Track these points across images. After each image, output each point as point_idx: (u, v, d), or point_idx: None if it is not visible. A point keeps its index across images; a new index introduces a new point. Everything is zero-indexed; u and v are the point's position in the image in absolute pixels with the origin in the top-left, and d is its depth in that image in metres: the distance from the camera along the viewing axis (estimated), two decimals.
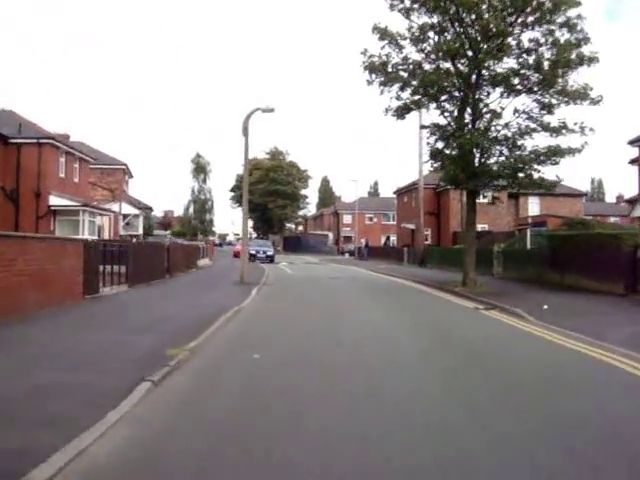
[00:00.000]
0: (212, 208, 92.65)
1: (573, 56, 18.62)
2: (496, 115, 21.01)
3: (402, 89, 22.14)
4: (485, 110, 21.33)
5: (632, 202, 50.26)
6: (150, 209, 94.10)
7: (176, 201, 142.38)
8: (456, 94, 21.56)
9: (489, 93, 21.45)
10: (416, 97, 22.18)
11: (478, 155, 21.12)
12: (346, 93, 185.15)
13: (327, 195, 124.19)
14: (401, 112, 22.66)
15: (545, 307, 14.97)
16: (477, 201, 22.67)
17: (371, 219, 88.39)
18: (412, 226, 54.51)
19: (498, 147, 20.88)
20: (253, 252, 48.34)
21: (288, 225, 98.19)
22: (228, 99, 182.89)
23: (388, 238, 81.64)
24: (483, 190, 22.31)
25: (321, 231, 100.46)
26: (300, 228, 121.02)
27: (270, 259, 48.21)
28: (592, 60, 18.64)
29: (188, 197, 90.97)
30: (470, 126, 20.93)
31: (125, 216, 47.63)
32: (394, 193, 60.84)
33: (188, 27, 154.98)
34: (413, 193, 55.41)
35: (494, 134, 20.97)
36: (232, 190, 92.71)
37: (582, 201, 58.33)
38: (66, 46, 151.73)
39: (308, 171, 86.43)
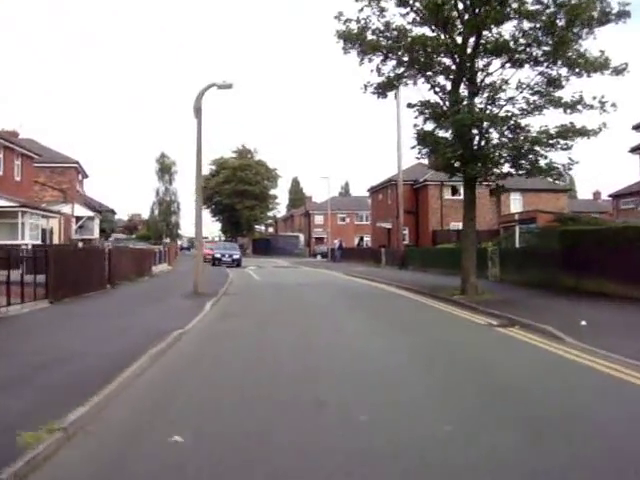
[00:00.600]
0: (178, 210, 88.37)
1: (596, 12, 15.10)
2: (497, 89, 17.58)
3: (384, 60, 18.60)
4: (484, 84, 17.87)
5: (618, 197, 47.74)
6: (112, 212, 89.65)
7: (144, 204, 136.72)
8: (449, 64, 18.07)
9: (488, 64, 18.01)
10: (401, 70, 18.68)
11: (477, 137, 17.65)
12: (317, 93, 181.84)
13: (297, 196, 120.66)
14: (383, 88, 19.13)
15: (583, 323, 11.50)
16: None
17: (344, 219, 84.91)
18: (388, 225, 51.20)
19: (501, 126, 17.36)
20: (218, 256, 44.63)
21: (258, 227, 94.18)
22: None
23: (362, 239, 78.36)
24: (482, 178, 18.70)
25: (292, 233, 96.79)
26: (270, 230, 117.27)
27: (237, 263, 44.43)
28: (622, 15, 15.11)
29: (153, 199, 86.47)
30: (467, 102, 17.43)
31: (78, 218, 43.41)
32: (368, 191, 57.47)
33: (152, 19, 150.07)
34: (389, 190, 52.10)
35: (496, 111, 17.51)
36: (206, 197, 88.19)
37: (566, 197, 55.58)
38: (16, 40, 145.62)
39: (277, 170, 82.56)
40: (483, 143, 17.67)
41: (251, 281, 28.21)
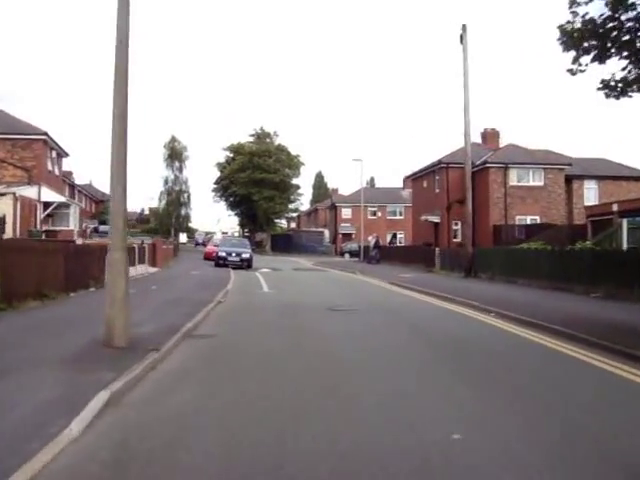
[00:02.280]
0: (189, 202, 79.15)
1: None
2: None
3: None
4: None
5: None
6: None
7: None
8: None
9: None
10: None
11: None
12: (340, 84, 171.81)
13: (322, 191, 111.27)
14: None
15: None
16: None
17: (374, 213, 74.59)
18: (436, 219, 41.26)
19: None
20: (223, 254, 35.18)
21: (278, 222, 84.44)
22: (212, 80, 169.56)
23: (394, 235, 68.18)
24: None
25: (315, 228, 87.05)
26: (293, 225, 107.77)
27: (247, 264, 34.94)
28: None
29: (161, 188, 77.35)
30: None
31: (48, 205, 34.18)
32: (407, 179, 47.43)
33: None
34: (436, 175, 42.12)
35: None
36: (216, 182, 79.03)
37: None
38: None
39: (300, 157, 72.71)
40: None
41: (255, 298, 18.32)
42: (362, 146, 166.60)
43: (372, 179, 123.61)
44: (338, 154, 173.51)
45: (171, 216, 75.75)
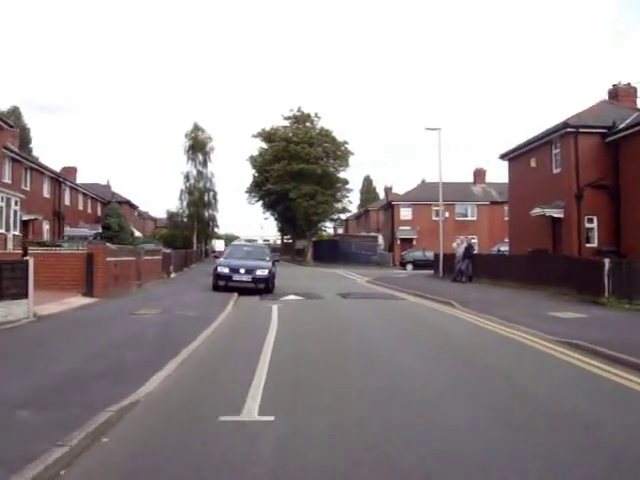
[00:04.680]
0: (215, 202, 66.39)
1: None
2: None
3: None
4: None
5: None
6: (131, 205, 68.78)
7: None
8: None
9: None
10: None
11: None
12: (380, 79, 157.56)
13: (370, 196, 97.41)
14: None
15: None
16: None
17: (438, 214, 59.71)
18: (557, 212, 26.96)
19: None
20: (225, 271, 21.92)
21: (323, 225, 70.29)
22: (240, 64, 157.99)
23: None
24: None
25: (367, 233, 73.15)
26: (340, 231, 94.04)
27: (263, 285, 21.52)
28: None
29: (181, 186, 64.76)
30: None
31: None
32: (502, 158, 33.07)
33: None
34: (555, 147, 27.78)
35: None
36: (256, 184, 64.93)
37: None
38: None
39: (348, 144, 58.86)
40: None
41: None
42: (414, 144, 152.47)
43: (423, 181, 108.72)
44: (386, 154, 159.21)
45: (193, 219, 63.05)
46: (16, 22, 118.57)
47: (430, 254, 46.28)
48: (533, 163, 29.56)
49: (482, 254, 36.38)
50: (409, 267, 47.98)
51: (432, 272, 34.54)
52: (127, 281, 20.84)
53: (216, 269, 21.96)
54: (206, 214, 64.69)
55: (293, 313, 15.74)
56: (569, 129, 26.03)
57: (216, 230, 70.43)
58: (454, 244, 30.14)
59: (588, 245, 25.87)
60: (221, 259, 23.17)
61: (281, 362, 8.82)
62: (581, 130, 26.09)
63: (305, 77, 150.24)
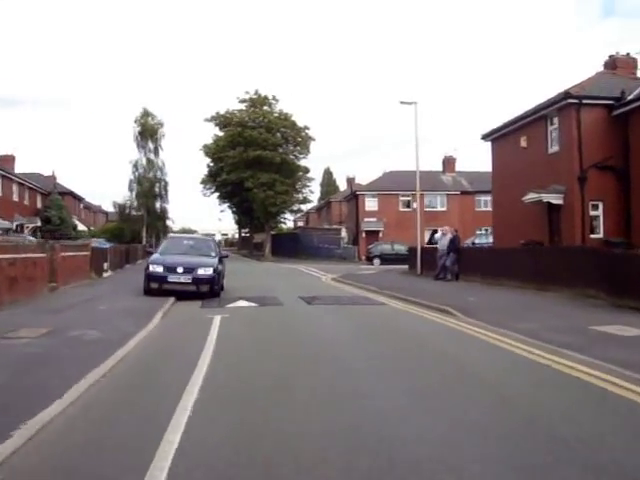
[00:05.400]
0: (165, 193, 61.38)
1: None
2: None
3: None
4: None
5: None
6: (74, 195, 63.19)
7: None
8: None
9: None
10: None
11: None
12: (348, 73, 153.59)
13: (331, 189, 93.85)
14: None
15: None
16: None
17: (408, 204, 55.80)
18: (556, 198, 23.21)
19: None
20: (159, 270, 17.31)
21: (283, 218, 65.97)
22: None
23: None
24: None
25: (329, 225, 69.10)
26: (300, 224, 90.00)
27: (207, 288, 17.07)
28: None
29: (130, 176, 59.61)
30: None
31: None
32: (484, 138, 29.16)
33: None
34: (551, 123, 24.05)
35: None
36: (211, 175, 61.22)
37: None
38: None
39: (309, 130, 54.58)
40: None
41: None
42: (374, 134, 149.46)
43: (385, 171, 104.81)
44: (347, 146, 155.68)
45: (142, 211, 58.03)
46: None
47: (401, 247, 42.41)
48: (524, 142, 25.75)
49: (471, 247, 32.60)
50: (376, 262, 44.04)
51: (407, 268, 30.48)
52: (32, 284, 16.21)
53: (147, 268, 17.44)
54: (157, 206, 59.58)
55: (240, 330, 11.42)
56: (571, 100, 22.25)
57: (169, 223, 65.21)
58: (437, 235, 26.21)
59: (593, 236, 22.24)
60: (155, 255, 18.60)
61: (198, 466, 4.49)
62: (584, 102, 22.39)
63: (264, 62, 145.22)
